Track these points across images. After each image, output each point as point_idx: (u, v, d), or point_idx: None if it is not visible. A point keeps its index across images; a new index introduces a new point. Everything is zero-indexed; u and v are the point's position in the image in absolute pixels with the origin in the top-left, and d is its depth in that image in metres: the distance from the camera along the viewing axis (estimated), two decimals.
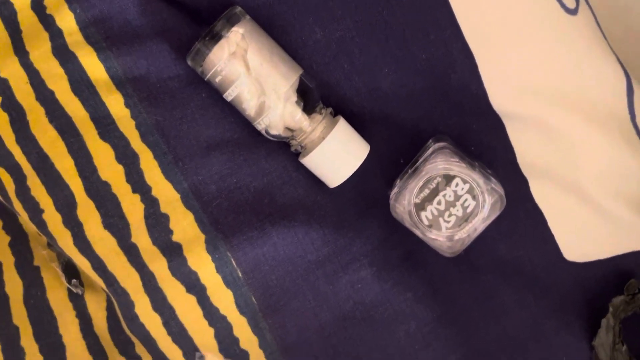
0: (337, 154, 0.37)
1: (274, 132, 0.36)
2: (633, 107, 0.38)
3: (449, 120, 0.39)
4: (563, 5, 0.36)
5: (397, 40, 0.37)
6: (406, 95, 0.39)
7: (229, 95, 0.36)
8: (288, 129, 0.37)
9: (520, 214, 0.40)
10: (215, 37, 0.35)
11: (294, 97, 0.36)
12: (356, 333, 0.38)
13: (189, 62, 0.36)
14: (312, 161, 0.37)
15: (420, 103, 0.39)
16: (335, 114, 0.39)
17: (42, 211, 0.36)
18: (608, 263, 0.40)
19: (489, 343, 0.40)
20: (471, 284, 0.41)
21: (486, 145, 0.39)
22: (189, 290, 0.35)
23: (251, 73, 0.35)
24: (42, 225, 0.36)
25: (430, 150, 0.37)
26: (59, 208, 0.35)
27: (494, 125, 0.39)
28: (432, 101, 0.39)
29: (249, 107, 0.36)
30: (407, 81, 0.38)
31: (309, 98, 0.37)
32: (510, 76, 0.37)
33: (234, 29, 0.35)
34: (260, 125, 0.36)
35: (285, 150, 0.39)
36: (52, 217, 0.36)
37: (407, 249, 0.40)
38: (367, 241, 0.39)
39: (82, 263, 0.36)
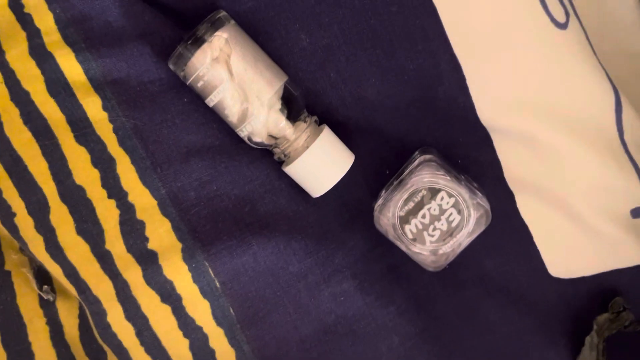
0: (321, 163, 0.36)
1: (257, 139, 0.36)
2: (621, 124, 0.37)
3: (436, 132, 0.39)
4: (553, 19, 0.36)
5: (385, 49, 0.37)
6: (393, 105, 0.38)
7: (211, 101, 0.35)
8: (271, 136, 0.36)
9: (506, 229, 0.39)
10: (198, 41, 0.34)
11: (278, 105, 0.35)
12: (337, 347, 0.37)
13: (171, 66, 0.35)
14: (296, 170, 0.36)
15: (407, 114, 0.38)
16: (320, 122, 0.38)
17: (13, 215, 0.35)
18: (593, 280, 0.40)
19: (473, 358, 0.40)
20: (455, 298, 0.40)
21: (473, 158, 0.39)
22: (164, 299, 0.34)
23: (234, 79, 0.34)
24: (13, 229, 0.35)
25: (416, 162, 0.36)
26: (31, 212, 0.34)
27: (481, 138, 0.38)
28: (419, 112, 0.38)
29: (232, 113, 0.35)
30: (393, 91, 0.37)
31: (294, 106, 0.36)
32: (499, 90, 0.37)
33: (218, 33, 0.34)
34: (243, 132, 0.35)
35: (268, 158, 0.38)
36: (24, 222, 0.34)
37: (390, 261, 0.39)
38: (350, 253, 0.38)
39: (54, 269, 0.34)
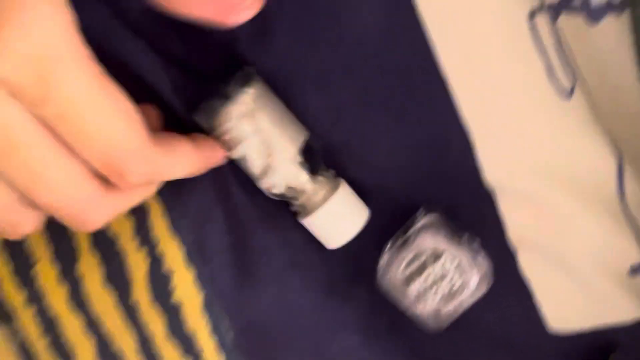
0: (339, 216, 0.38)
1: (276, 191, 0.37)
2: (623, 186, 0.39)
3: (440, 191, 0.40)
4: (559, 89, 0.37)
5: (396, 113, 0.38)
6: (400, 167, 0.39)
7: (234, 154, 0.36)
8: (290, 188, 0.37)
9: (507, 284, 0.41)
10: (226, 97, 0.35)
11: (299, 159, 0.37)
12: None
13: (196, 119, 0.36)
14: (314, 222, 0.38)
15: (413, 175, 0.40)
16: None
17: (35, 263, 0.35)
18: (591, 335, 0.41)
19: None
20: (455, 353, 0.41)
21: (476, 217, 0.40)
22: (186, 353, 0.35)
23: (260, 135, 0.35)
24: (28, 278, 0.35)
25: (420, 223, 0.37)
26: (55, 259, 0.35)
27: (486, 198, 0.40)
28: (425, 174, 0.40)
29: (254, 166, 0.36)
30: (402, 154, 0.39)
31: (314, 160, 0.37)
32: (506, 155, 0.38)
33: (245, 89, 0.35)
34: (264, 184, 0.37)
35: (283, 207, 0.39)
36: (46, 270, 0.35)
37: (393, 317, 0.40)
38: (356, 308, 0.39)
39: (69, 322, 0.35)
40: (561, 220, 0.39)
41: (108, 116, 0.25)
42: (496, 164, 0.38)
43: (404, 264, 0.37)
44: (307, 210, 0.38)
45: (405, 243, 0.37)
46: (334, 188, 0.38)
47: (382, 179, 0.40)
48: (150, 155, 0.27)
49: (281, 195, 0.38)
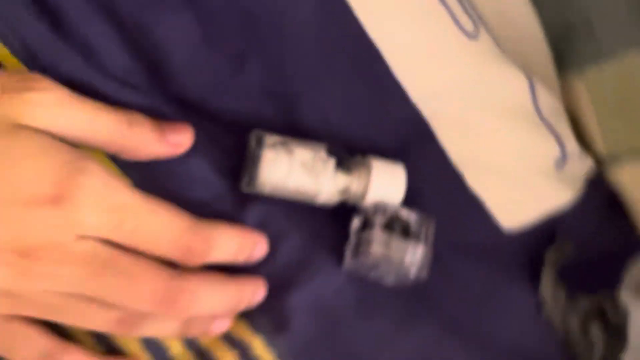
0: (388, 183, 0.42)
1: (335, 199, 0.41)
2: (536, 98, 0.46)
3: (385, 138, 0.44)
4: (465, 33, 0.42)
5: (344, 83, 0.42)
6: (346, 120, 0.43)
7: (286, 194, 0.40)
8: (342, 191, 0.42)
9: (463, 204, 0.46)
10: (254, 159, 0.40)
11: (333, 163, 0.41)
12: None
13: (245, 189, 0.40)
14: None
15: (358, 126, 0.44)
16: None
17: None
18: (539, 228, 0.48)
19: (451, 318, 0.47)
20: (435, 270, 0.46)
21: (420, 155, 0.45)
22: None
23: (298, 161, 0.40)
24: None
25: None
26: None
27: (425, 134, 0.44)
28: (369, 125, 0.44)
29: (307, 191, 0.40)
30: (348, 108, 0.43)
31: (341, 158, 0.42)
32: (435, 89, 0.43)
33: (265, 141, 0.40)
34: (321, 200, 0.41)
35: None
36: None
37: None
38: None
39: None
40: (489, 135, 0.45)
41: (158, 212, 0.34)
42: (427, 96, 0.43)
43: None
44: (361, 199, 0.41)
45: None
46: (368, 167, 0.41)
47: (338, 130, 0.43)
48: (199, 227, 0.36)
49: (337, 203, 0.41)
